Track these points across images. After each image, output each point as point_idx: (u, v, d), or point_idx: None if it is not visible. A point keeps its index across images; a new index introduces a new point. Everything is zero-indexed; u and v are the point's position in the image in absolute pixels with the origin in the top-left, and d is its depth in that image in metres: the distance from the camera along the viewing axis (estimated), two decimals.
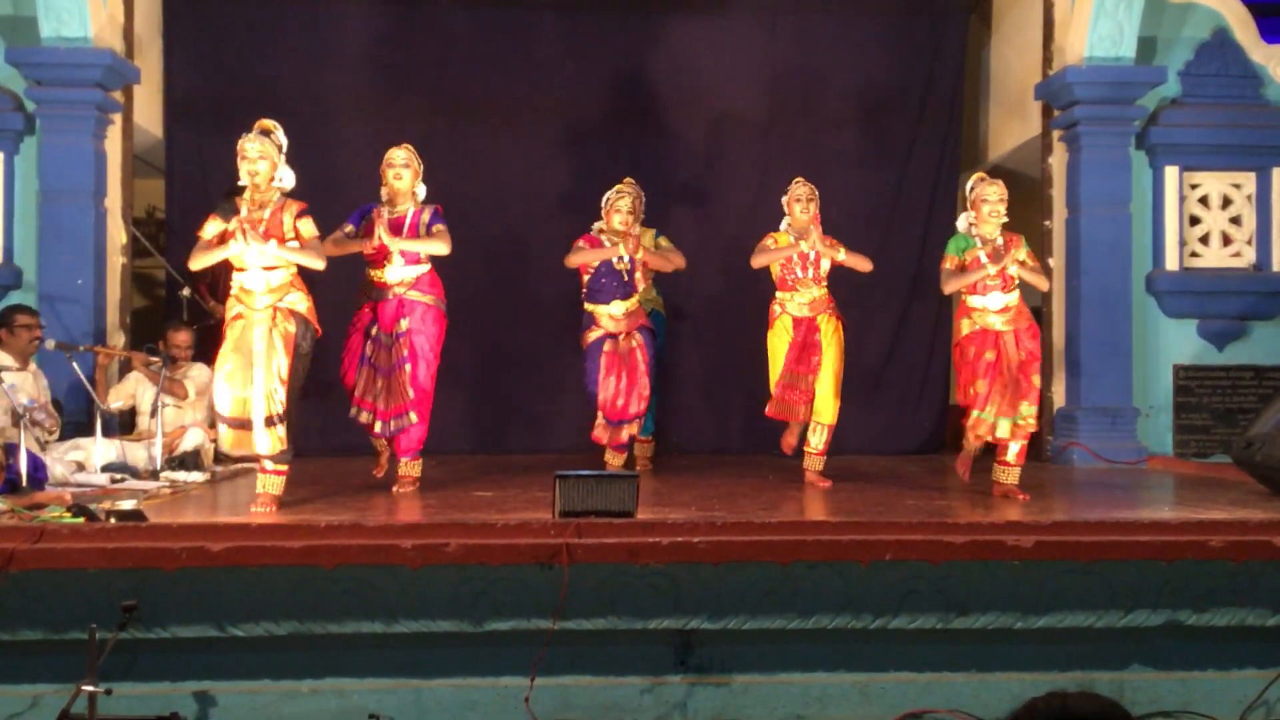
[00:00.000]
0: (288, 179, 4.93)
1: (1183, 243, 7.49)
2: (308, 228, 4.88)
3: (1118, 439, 7.26)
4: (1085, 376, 7.34)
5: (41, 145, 6.99)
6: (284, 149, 4.92)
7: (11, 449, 5.11)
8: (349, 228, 5.58)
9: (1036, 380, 5.39)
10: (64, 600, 3.91)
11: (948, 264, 5.51)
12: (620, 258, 6.10)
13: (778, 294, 6.07)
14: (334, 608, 3.99)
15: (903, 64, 8.27)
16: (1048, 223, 7.74)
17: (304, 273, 4.96)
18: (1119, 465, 7.12)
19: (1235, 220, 7.56)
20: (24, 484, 5.02)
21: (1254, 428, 5.69)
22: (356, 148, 7.35)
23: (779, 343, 6.00)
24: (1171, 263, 7.45)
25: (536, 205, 7.99)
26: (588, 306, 6.21)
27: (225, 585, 3.93)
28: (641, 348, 6.15)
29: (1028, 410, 5.36)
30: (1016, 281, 5.46)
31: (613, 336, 6.13)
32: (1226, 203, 7.57)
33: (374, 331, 5.55)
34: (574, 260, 6.17)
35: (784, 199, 6.09)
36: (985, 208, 5.42)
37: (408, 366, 5.49)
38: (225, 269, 5.01)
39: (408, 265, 5.54)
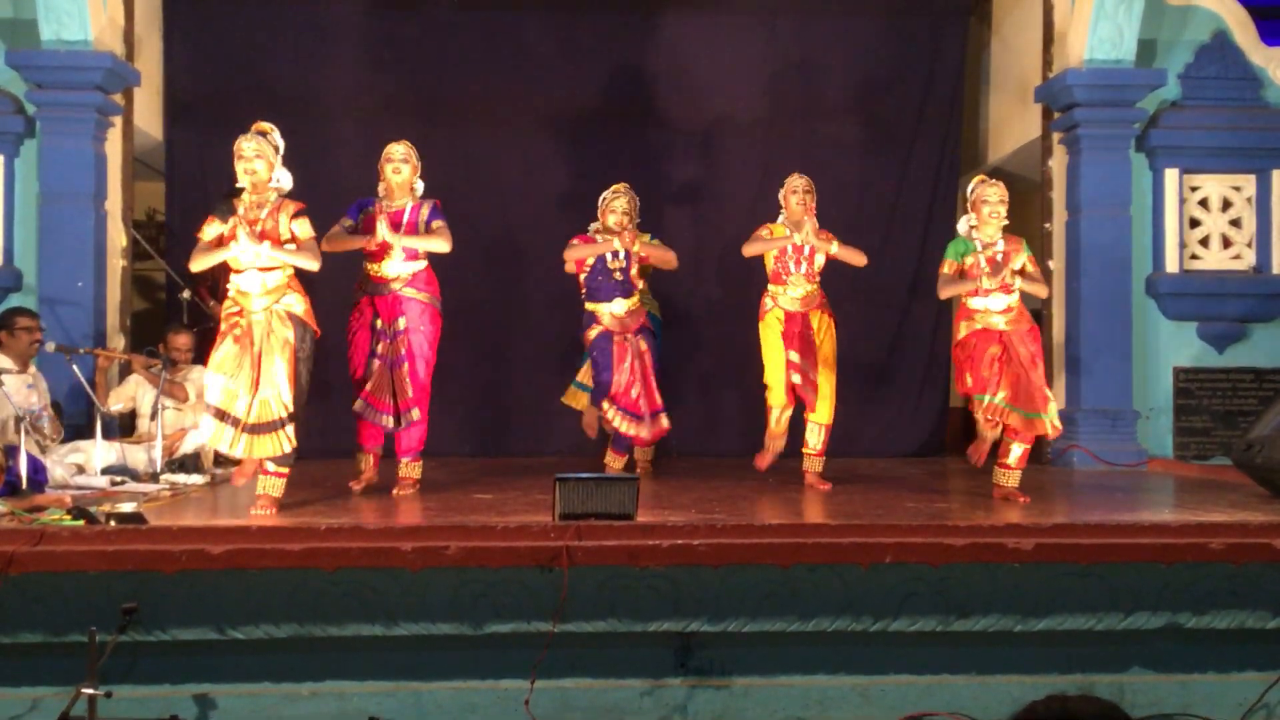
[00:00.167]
0: (285, 180, 4.92)
1: (1183, 245, 7.50)
2: (304, 229, 4.87)
3: (1118, 441, 7.26)
4: (1085, 378, 7.34)
5: (42, 148, 7.00)
6: (281, 150, 4.92)
7: (11, 451, 5.11)
8: (347, 222, 5.57)
9: (1042, 380, 5.38)
10: (64, 603, 3.90)
11: (945, 269, 5.51)
12: (615, 253, 6.08)
13: (770, 286, 6.07)
14: (334, 610, 3.98)
15: (903, 66, 8.27)
16: (1048, 225, 7.75)
17: (302, 273, 4.95)
18: (1119, 467, 7.12)
19: (1235, 223, 7.57)
20: (24, 486, 5.01)
21: (1254, 430, 5.69)
22: (356, 149, 7.34)
23: (771, 334, 6.00)
24: (1172, 265, 7.46)
25: (536, 206, 8.00)
26: (589, 306, 6.20)
27: (225, 588, 3.93)
28: (646, 353, 6.14)
29: (1053, 410, 5.34)
30: (1017, 281, 5.46)
31: (616, 334, 6.12)
32: (1226, 205, 7.57)
33: (378, 325, 5.54)
34: (570, 255, 6.15)
35: (780, 192, 6.11)
36: (985, 209, 5.42)
37: (405, 365, 5.50)
38: (225, 271, 5.00)
39: (406, 261, 5.54)
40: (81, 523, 4.21)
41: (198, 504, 5.34)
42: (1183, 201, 7.50)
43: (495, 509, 4.94)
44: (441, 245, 5.54)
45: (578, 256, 6.16)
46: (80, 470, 5.71)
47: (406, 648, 4.06)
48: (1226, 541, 4.11)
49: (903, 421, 8.27)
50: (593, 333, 6.16)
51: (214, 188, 7.29)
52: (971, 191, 5.54)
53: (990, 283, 5.35)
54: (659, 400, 6.15)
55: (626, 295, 6.15)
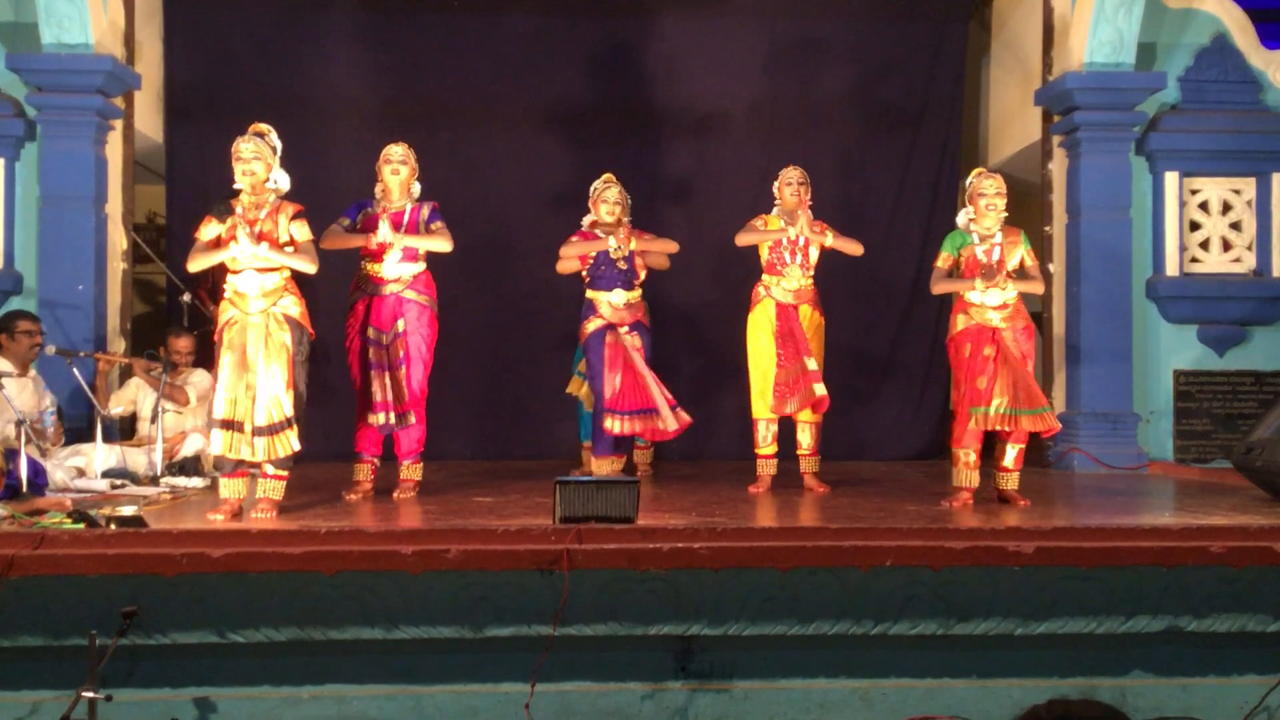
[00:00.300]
0: (283, 181, 4.93)
1: (1183, 248, 7.50)
2: (303, 231, 4.88)
3: (1118, 444, 7.26)
4: (1086, 381, 7.34)
5: (42, 151, 7.00)
6: (278, 151, 4.93)
7: (12, 455, 5.10)
8: (345, 221, 5.59)
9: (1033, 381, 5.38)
10: (64, 606, 3.90)
11: (940, 262, 5.50)
12: (616, 247, 6.08)
13: (764, 277, 6.07)
14: (334, 614, 3.98)
15: (903, 69, 8.27)
16: (1048, 228, 7.74)
17: (300, 274, 4.94)
18: (1119, 470, 7.11)
19: (1235, 226, 7.57)
20: (24, 490, 5.01)
21: (1254, 433, 5.70)
22: (355, 151, 7.34)
23: (760, 333, 5.99)
24: (1172, 268, 7.46)
25: (535, 209, 7.98)
26: (589, 294, 6.17)
27: (225, 591, 3.93)
28: (640, 350, 6.09)
29: (1048, 410, 5.35)
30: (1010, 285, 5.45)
31: (612, 328, 6.05)
32: (1226, 208, 7.57)
33: (370, 332, 5.54)
34: (566, 252, 6.13)
35: (774, 184, 6.10)
36: (983, 201, 5.41)
37: (404, 368, 5.50)
38: (225, 274, 5.01)
39: (405, 262, 5.54)
40: (82, 526, 4.21)
41: (198, 507, 5.33)
42: (1183, 204, 7.50)
43: (496, 512, 4.94)
44: (443, 245, 5.56)
45: (573, 254, 6.14)
46: (80, 473, 5.71)
47: (407, 651, 4.06)
48: (1227, 545, 4.12)
49: (903, 424, 8.26)
50: (589, 326, 6.09)
51: (214, 190, 7.24)
52: (969, 184, 5.53)
53: (984, 285, 5.34)
54: (669, 394, 6.09)
55: (627, 287, 6.12)
